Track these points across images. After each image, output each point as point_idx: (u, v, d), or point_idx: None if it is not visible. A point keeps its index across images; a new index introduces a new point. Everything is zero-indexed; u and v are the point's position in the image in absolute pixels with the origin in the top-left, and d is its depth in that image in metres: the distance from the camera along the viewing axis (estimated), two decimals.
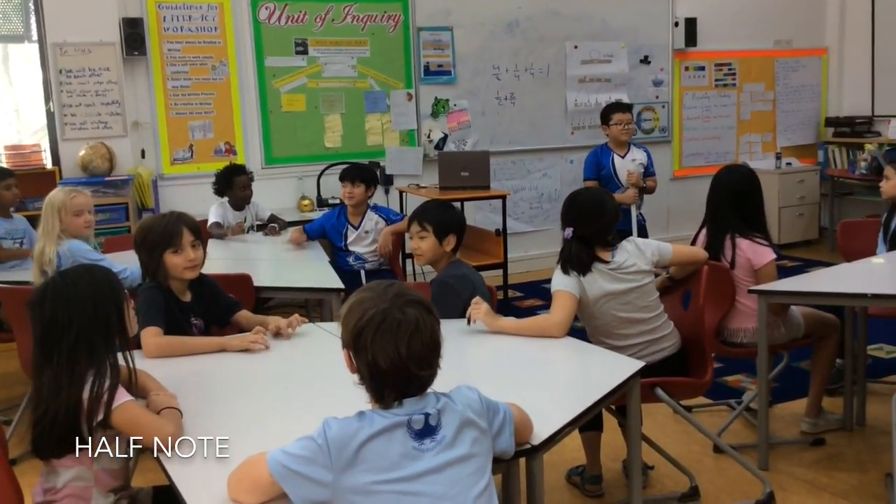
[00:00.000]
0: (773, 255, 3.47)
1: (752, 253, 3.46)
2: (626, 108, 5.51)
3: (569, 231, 2.97)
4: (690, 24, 7.49)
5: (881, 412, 3.68)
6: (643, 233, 5.37)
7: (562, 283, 2.87)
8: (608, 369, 2.43)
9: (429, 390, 1.66)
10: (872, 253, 3.98)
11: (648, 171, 5.42)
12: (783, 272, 3.50)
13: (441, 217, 3.16)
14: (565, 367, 2.62)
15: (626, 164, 5.33)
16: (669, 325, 3.07)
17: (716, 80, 7.86)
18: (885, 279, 3.38)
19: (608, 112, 5.40)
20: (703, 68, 7.78)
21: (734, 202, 3.53)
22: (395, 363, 1.58)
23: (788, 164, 7.92)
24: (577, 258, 2.92)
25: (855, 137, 7.79)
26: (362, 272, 4.67)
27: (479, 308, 2.75)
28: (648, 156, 5.49)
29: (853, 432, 3.63)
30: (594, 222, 2.96)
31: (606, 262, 2.94)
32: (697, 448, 3.48)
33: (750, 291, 3.28)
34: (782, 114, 8.19)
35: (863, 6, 7.86)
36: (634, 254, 2.98)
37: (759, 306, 3.22)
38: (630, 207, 5.26)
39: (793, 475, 3.27)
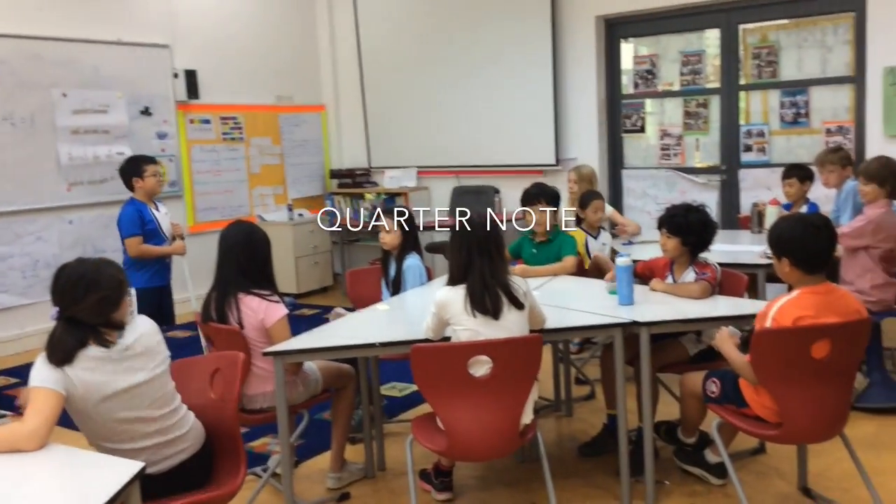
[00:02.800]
0: (285, 311, 3.36)
1: (263, 311, 3.31)
2: (154, 160, 5.21)
3: (54, 312, 2.43)
4: (191, 75, 7.30)
5: (401, 453, 3.80)
6: None
7: (40, 378, 2.32)
8: (103, 479, 2.01)
9: None
10: (378, 298, 4.16)
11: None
12: (304, 321, 3.41)
13: None
14: (49, 486, 2.12)
15: (164, 217, 5.14)
16: (189, 419, 2.65)
17: (223, 133, 7.77)
18: (391, 325, 3.48)
19: (140, 164, 5.05)
20: (208, 121, 7.63)
21: (238, 260, 3.37)
22: None
23: (300, 215, 8.17)
24: (61, 344, 2.38)
25: (356, 188, 8.36)
26: None
27: None
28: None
29: (376, 479, 3.68)
30: (85, 298, 2.41)
31: (110, 345, 2.43)
32: None
33: (265, 354, 3.11)
34: (290, 167, 8.44)
35: (352, 67, 8.52)
36: (150, 332, 2.55)
37: (276, 367, 3.07)
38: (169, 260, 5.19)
39: None
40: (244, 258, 3.41)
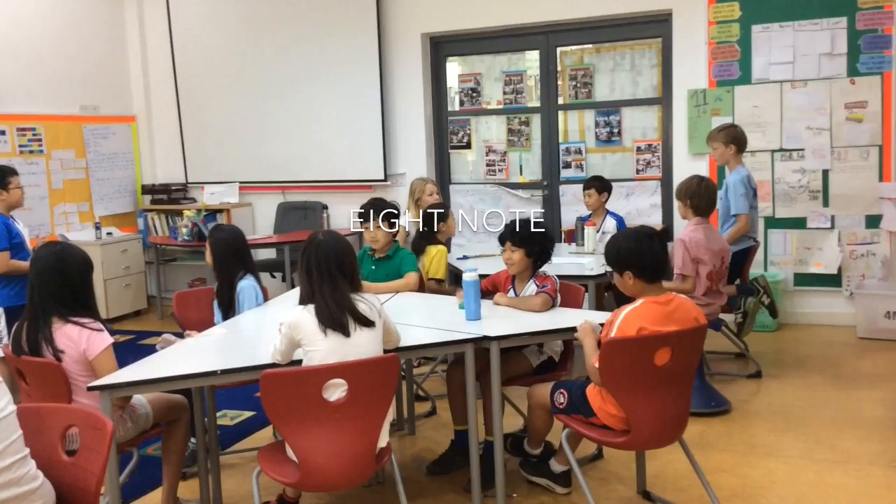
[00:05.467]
0: (110, 340, 3.07)
1: (85, 341, 3.00)
2: (16, 171, 4.89)
3: None
4: None
5: (238, 486, 3.59)
6: None
7: None
8: None
9: None
10: (211, 322, 3.90)
11: None
12: (117, 348, 3.10)
13: None
14: None
15: (25, 231, 4.93)
16: (40, 474, 2.12)
17: (20, 145, 7.06)
18: (227, 351, 3.26)
19: (5, 175, 4.76)
20: (3, 132, 6.90)
21: (50, 285, 3.04)
22: None
23: (109, 233, 7.58)
24: None
25: (173, 204, 7.88)
26: None
27: None
28: None
29: None
30: None
31: None
32: None
33: (90, 388, 2.80)
34: (97, 182, 7.80)
35: (166, 76, 8.04)
36: None
37: (102, 403, 2.76)
38: None
39: None
40: (57, 283, 3.08)
